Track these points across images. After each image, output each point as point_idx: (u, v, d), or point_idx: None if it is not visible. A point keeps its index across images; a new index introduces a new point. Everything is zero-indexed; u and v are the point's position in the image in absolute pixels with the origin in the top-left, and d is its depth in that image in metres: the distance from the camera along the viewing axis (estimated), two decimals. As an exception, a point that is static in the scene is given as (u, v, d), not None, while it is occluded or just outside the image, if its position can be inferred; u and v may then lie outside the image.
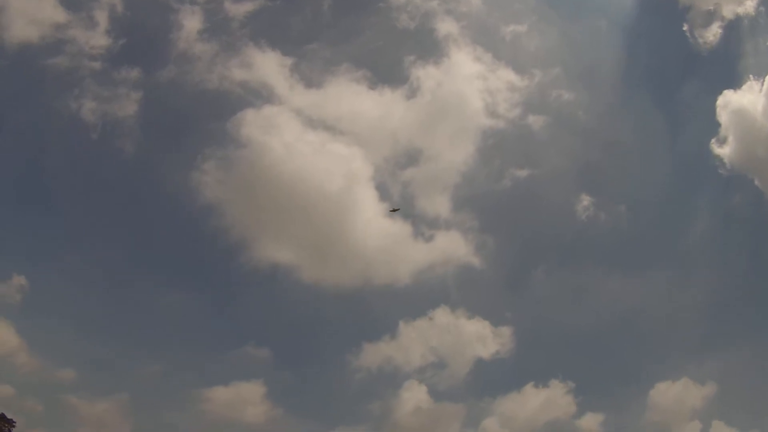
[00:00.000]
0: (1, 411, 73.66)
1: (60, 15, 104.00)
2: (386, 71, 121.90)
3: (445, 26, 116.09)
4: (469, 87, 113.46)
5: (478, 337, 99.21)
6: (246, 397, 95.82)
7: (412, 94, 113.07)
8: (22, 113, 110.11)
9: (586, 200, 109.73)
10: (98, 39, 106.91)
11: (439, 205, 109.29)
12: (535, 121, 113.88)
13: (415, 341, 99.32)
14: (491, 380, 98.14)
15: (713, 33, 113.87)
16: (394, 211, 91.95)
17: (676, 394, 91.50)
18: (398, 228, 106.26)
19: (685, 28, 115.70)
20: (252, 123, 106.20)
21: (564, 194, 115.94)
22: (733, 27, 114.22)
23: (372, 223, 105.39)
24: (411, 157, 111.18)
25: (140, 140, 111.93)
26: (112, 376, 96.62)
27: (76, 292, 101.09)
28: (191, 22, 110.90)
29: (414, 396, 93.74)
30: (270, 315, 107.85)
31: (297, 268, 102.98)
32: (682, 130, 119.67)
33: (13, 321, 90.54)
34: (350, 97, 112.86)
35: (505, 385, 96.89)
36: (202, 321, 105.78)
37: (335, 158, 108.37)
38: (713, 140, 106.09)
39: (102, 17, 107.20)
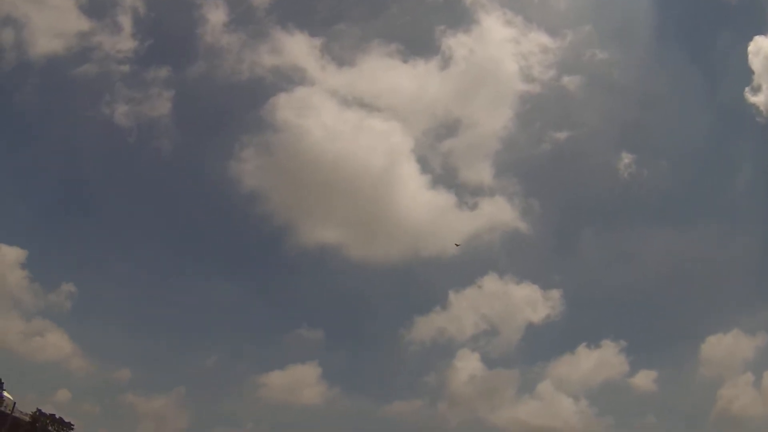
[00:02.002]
0: (59, 415, 77.34)
1: (83, 23, 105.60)
2: (417, 43, 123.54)
3: None
4: (502, 52, 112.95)
5: (528, 302, 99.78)
6: (302, 379, 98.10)
7: (446, 64, 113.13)
8: (57, 125, 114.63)
9: (627, 158, 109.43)
10: (124, 42, 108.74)
11: (482, 172, 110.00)
12: (570, 81, 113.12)
13: (465, 310, 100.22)
14: (543, 344, 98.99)
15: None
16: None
17: (727, 347, 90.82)
18: (442, 199, 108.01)
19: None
20: (287, 107, 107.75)
21: (605, 153, 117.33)
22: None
23: (416, 197, 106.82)
24: (450, 128, 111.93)
25: (177, 137, 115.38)
26: (167, 371, 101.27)
27: (125, 292, 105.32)
28: (216, 15, 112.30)
29: (468, 365, 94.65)
30: (320, 296, 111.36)
31: (344, 247, 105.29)
32: (716, 81, 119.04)
33: (65, 327, 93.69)
34: (384, 73, 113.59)
35: (558, 348, 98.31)
36: (253, 308, 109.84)
37: (374, 135, 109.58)
38: (747, 89, 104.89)
39: (126, 21, 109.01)
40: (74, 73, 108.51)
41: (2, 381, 68.12)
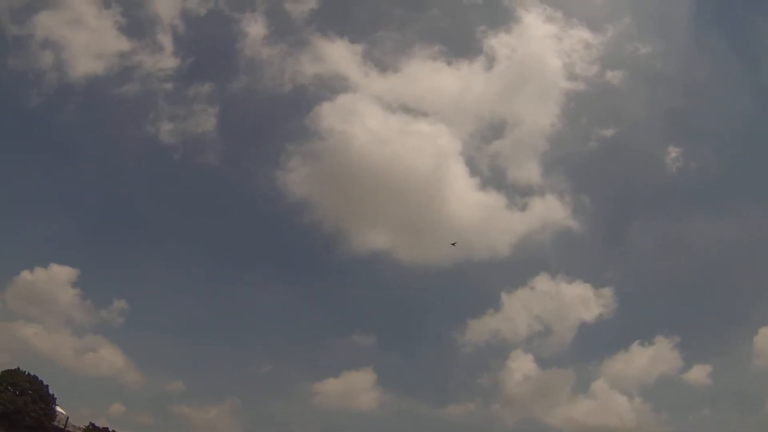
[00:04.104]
0: (112, 428, 78.64)
1: (123, 43, 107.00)
2: (459, 45, 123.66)
3: None
4: (545, 49, 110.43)
5: (581, 301, 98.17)
6: (357, 385, 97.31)
7: (489, 64, 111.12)
8: (102, 144, 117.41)
9: (674, 151, 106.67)
10: (165, 61, 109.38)
11: (530, 171, 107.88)
12: (614, 76, 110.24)
13: (518, 312, 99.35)
14: (597, 343, 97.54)
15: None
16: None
17: None
18: (492, 200, 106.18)
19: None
20: (331, 115, 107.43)
21: (652, 146, 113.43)
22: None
23: (465, 199, 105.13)
24: (496, 129, 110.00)
25: (223, 151, 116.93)
26: (221, 381, 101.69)
27: (176, 306, 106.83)
28: (255, 29, 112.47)
29: (521, 366, 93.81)
30: (372, 301, 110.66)
31: (394, 252, 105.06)
32: (759, 65, 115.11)
33: (117, 343, 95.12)
34: (427, 76, 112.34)
35: (611, 346, 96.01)
36: (306, 315, 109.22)
37: (421, 138, 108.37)
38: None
39: (165, 39, 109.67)
40: (116, 92, 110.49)
41: (55, 396, 69.00)
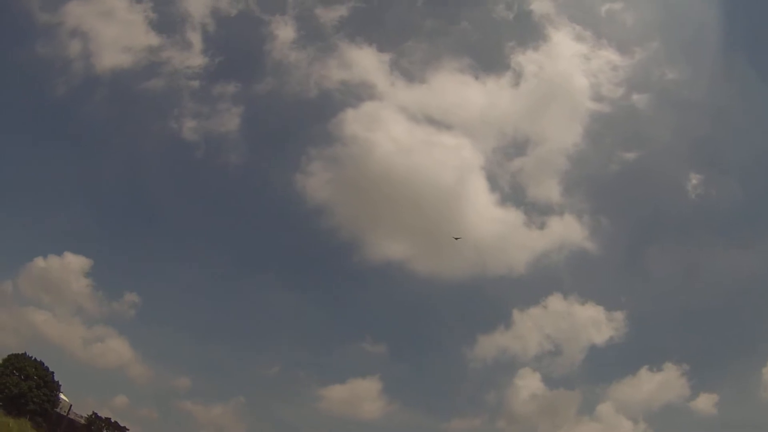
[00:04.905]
0: (115, 419, 78.09)
1: (152, 39, 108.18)
2: (488, 60, 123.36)
3: (541, 6, 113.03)
4: (572, 68, 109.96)
5: (593, 323, 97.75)
6: (362, 393, 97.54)
7: (516, 80, 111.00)
8: (124, 137, 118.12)
9: (695, 178, 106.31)
10: (193, 59, 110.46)
11: (550, 190, 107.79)
12: (639, 99, 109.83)
13: (529, 330, 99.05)
14: (606, 366, 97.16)
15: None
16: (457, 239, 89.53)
17: None
18: (511, 217, 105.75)
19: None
20: (355, 121, 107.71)
21: (674, 173, 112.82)
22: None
23: (484, 214, 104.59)
24: (519, 146, 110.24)
25: (244, 152, 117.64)
26: (227, 380, 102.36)
27: (188, 303, 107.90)
28: (284, 32, 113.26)
29: (528, 384, 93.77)
30: (385, 310, 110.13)
31: (410, 262, 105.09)
32: None
33: (127, 336, 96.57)
34: (454, 89, 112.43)
35: (620, 371, 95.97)
36: (318, 320, 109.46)
37: (444, 150, 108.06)
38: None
39: (195, 37, 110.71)
40: (142, 87, 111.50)
41: (60, 384, 69.19)
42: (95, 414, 76.63)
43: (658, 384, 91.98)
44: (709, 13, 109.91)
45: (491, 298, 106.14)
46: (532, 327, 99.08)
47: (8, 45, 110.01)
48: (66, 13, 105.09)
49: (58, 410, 69.81)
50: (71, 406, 73.10)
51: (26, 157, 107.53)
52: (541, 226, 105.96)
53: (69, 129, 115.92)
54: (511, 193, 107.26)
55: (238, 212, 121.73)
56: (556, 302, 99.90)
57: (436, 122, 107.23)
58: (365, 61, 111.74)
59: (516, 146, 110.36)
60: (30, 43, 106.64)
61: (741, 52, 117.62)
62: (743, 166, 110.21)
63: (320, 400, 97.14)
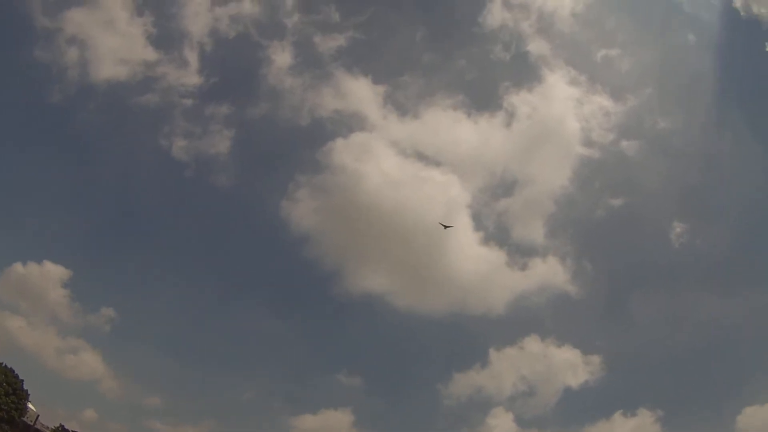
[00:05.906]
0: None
1: (149, 53, 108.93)
2: (481, 98, 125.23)
3: (538, 47, 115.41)
4: (565, 111, 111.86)
5: (568, 366, 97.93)
6: (333, 424, 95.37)
7: (508, 121, 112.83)
8: (113, 150, 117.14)
9: (679, 227, 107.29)
10: (189, 77, 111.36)
11: (534, 232, 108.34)
12: (629, 146, 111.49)
13: (505, 370, 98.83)
14: (579, 409, 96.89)
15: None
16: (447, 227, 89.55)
17: (764, 419, 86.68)
18: (494, 257, 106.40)
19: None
20: (345, 151, 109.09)
21: (658, 221, 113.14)
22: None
23: (467, 252, 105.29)
24: (507, 187, 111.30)
25: (233, 175, 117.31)
26: (200, 402, 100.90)
27: (165, 322, 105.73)
28: (281, 57, 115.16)
29: (501, 423, 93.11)
30: (363, 342, 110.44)
31: (391, 295, 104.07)
32: None
33: (101, 350, 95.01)
34: (446, 125, 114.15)
35: (593, 414, 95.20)
36: (295, 348, 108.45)
37: (431, 186, 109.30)
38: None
39: (192, 56, 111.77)
40: (135, 101, 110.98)
41: (29, 392, 69.30)
42: (62, 426, 76.52)
43: (631, 429, 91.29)
44: (704, 63, 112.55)
45: (469, 336, 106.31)
46: (508, 367, 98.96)
47: (8, 45, 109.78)
48: (67, 19, 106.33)
49: (25, 419, 69.69)
50: (38, 416, 72.97)
51: (14, 161, 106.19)
52: (523, 267, 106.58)
53: (60, 136, 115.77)
54: (496, 232, 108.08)
55: (222, 234, 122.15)
56: (533, 343, 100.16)
57: (426, 157, 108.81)
58: (360, 92, 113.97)
59: (504, 186, 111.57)
60: (28, 47, 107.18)
61: (734, 104, 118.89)
62: (729, 216, 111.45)
63: (291, 429, 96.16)
